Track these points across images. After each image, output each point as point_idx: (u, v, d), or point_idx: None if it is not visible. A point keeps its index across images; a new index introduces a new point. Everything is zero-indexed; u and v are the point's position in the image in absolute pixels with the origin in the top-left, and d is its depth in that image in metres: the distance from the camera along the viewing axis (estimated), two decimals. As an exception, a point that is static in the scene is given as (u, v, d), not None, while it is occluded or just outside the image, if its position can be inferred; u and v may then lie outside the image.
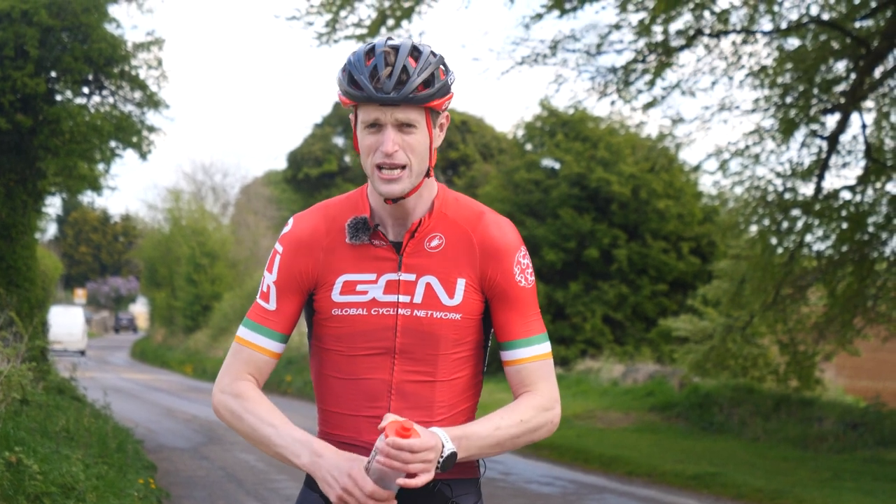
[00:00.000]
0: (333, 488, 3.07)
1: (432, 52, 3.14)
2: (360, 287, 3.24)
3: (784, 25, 18.48)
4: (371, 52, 3.12)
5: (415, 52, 3.11)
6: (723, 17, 18.16)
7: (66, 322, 47.81)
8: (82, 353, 49.38)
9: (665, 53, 18.57)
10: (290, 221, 3.34)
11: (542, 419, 3.32)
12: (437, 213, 3.27)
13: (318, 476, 3.10)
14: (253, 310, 3.32)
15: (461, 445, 3.13)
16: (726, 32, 18.56)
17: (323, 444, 3.16)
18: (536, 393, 3.33)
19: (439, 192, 3.31)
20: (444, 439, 3.09)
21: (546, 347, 3.35)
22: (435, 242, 3.25)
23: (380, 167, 3.13)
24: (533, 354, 3.32)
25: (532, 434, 3.31)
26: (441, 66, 3.15)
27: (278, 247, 3.31)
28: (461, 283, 3.25)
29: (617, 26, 18.22)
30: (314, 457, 3.12)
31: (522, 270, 3.29)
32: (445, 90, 3.15)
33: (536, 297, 3.38)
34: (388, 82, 3.05)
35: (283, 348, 3.34)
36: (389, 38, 3.15)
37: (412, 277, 3.24)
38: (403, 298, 3.23)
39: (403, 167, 3.12)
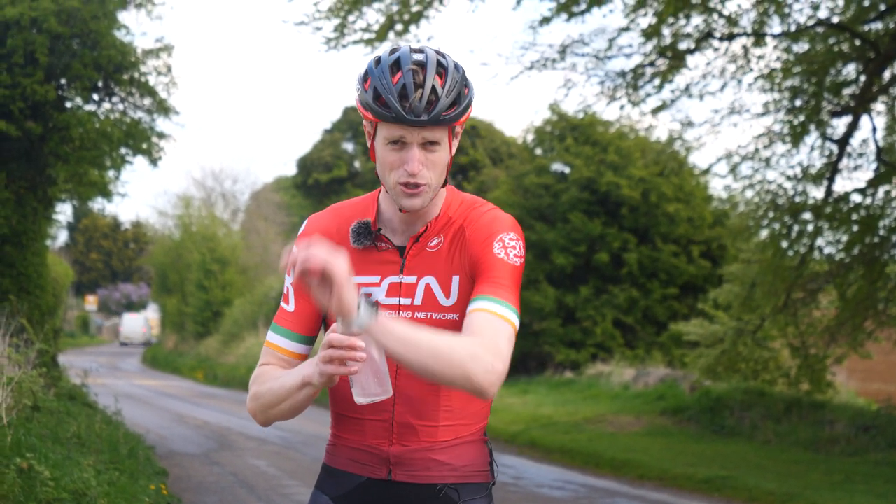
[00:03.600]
0: (321, 358, 2.90)
1: (456, 67, 3.13)
2: (363, 290, 3.24)
3: (793, 28, 18.46)
4: (396, 65, 3.08)
5: (440, 68, 3.10)
6: (732, 19, 18.14)
7: (134, 325, 76.76)
8: (146, 343, 74.70)
9: (674, 57, 18.56)
10: (305, 222, 3.42)
11: (469, 352, 2.96)
12: (442, 216, 3.29)
13: (316, 367, 2.94)
14: (277, 313, 3.36)
15: (380, 322, 2.90)
16: (736, 35, 18.55)
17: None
18: (482, 336, 3.02)
19: (448, 197, 3.33)
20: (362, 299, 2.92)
21: (512, 316, 3.10)
22: (434, 242, 3.27)
23: (403, 183, 3.13)
24: (494, 310, 3.07)
25: (450, 360, 2.93)
26: (464, 83, 3.15)
27: (294, 249, 3.31)
28: (456, 281, 3.24)
29: (626, 29, 18.22)
30: (311, 366, 2.99)
31: (504, 246, 3.19)
32: (468, 106, 3.16)
33: (518, 280, 3.21)
34: (419, 105, 3.03)
35: (307, 349, 3.34)
36: (414, 51, 3.12)
37: (413, 280, 3.25)
38: (404, 301, 3.24)
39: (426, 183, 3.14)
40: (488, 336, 3.02)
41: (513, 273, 3.18)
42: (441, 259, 3.25)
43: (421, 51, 3.13)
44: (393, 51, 3.14)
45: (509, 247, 3.21)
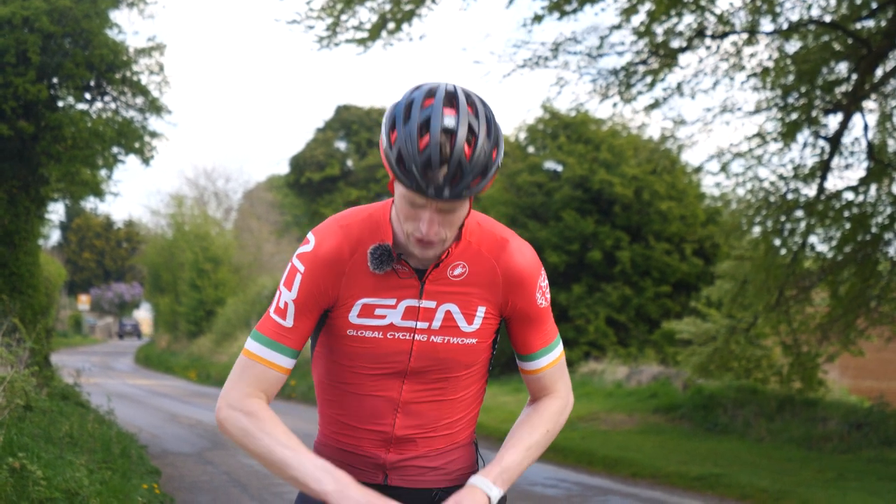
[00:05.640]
0: None
1: (488, 129, 2.95)
2: (378, 311, 3.19)
3: (785, 26, 18.48)
4: (426, 126, 2.89)
5: (471, 134, 2.91)
6: (724, 18, 18.15)
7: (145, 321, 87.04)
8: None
9: (666, 55, 18.57)
10: (312, 239, 3.20)
11: (562, 419, 3.44)
12: (462, 241, 3.20)
13: None
14: (266, 324, 3.20)
15: (504, 480, 3.18)
16: (727, 33, 18.56)
17: (344, 474, 3.04)
18: (554, 396, 3.43)
19: (465, 221, 3.21)
20: (487, 488, 3.13)
21: (560, 348, 3.47)
22: (458, 271, 3.19)
23: (417, 238, 3.04)
24: (551, 361, 3.42)
25: (555, 435, 3.43)
26: (495, 144, 2.98)
27: (299, 265, 3.17)
28: (481, 311, 3.23)
29: (618, 26, 18.22)
30: (339, 485, 3.00)
31: (543, 293, 3.33)
32: (495, 171, 3.02)
33: (551, 308, 3.42)
34: (442, 182, 2.89)
35: (294, 364, 3.22)
36: (447, 106, 2.91)
37: (432, 304, 3.20)
38: (421, 325, 3.20)
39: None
40: (564, 389, 3.48)
41: (550, 308, 3.43)
42: (465, 288, 3.20)
43: (454, 103, 2.94)
44: (428, 95, 2.95)
45: (545, 290, 3.35)
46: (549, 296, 3.37)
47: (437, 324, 3.20)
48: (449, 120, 2.89)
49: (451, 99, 2.94)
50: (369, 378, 3.25)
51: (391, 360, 3.22)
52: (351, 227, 3.20)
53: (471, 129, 2.92)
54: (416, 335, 3.20)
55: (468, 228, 3.21)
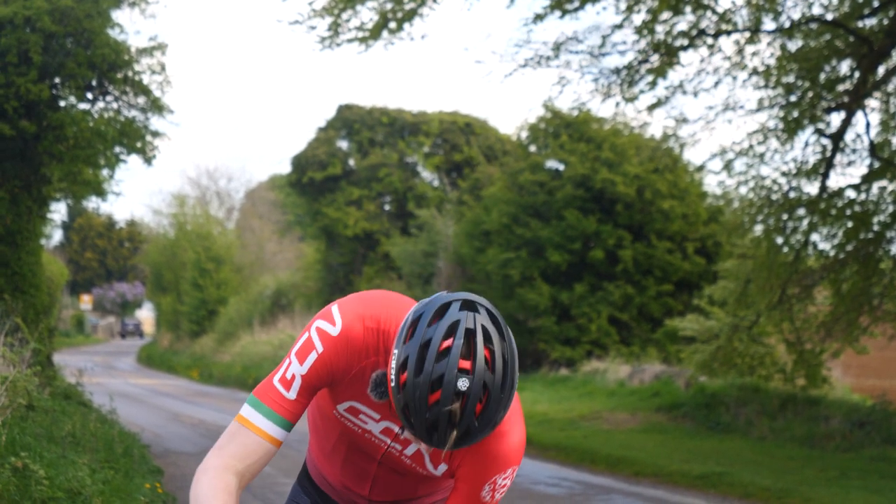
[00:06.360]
0: None
1: (503, 377, 2.78)
2: (362, 416, 3.21)
3: (787, 25, 18.47)
4: (438, 382, 2.74)
5: (484, 390, 2.75)
6: (725, 16, 18.15)
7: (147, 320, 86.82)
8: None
9: (668, 53, 18.56)
10: (338, 322, 3.09)
11: None
12: None
13: None
14: (267, 393, 3.10)
15: None
16: (729, 32, 18.55)
17: None
18: None
19: None
20: None
21: None
22: None
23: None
24: None
25: None
26: (511, 389, 2.82)
27: (318, 343, 3.07)
28: (442, 467, 3.23)
29: (620, 26, 18.22)
30: None
31: (494, 490, 3.15)
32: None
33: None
34: (448, 442, 2.80)
35: (285, 438, 3.14)
36: (463, 358, 2.74)
37: (410, 437, 3.18)
38: (395, 446, 3.24)
39: None
40: None
41: None
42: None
43: (471, 350, 2.76)
44: (447, 334, 2.77)
45: (499, 487, 3.16)
46: (498, 495, 3.16)
47: (409, 451, 3.24)
48: (462, 382, 2.73)
49: (470, 342, 2.77)
50: (346, 447, 3.35)
51: (366, 450, 3.30)
52: (370, 332, 3.09)
53: (485, 385, 2.76)
54: (389, 448, 3.26)
55: None
